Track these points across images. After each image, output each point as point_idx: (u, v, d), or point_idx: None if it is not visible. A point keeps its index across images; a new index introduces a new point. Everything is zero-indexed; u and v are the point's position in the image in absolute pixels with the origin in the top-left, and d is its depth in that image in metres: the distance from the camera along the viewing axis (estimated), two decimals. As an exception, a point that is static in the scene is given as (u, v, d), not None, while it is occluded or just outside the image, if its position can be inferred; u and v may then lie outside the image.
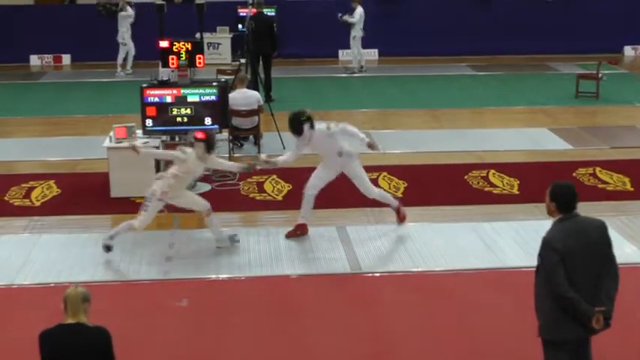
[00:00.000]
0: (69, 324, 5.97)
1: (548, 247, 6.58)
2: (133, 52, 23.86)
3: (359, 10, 23.45)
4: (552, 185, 6.80)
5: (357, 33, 23.68)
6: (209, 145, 10.61)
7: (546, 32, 26.43)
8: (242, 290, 10.00)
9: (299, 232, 11.46)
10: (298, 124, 11.12)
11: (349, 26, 23.57)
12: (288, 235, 11.42)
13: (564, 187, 6.77)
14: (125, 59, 23.95)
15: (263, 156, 11.77)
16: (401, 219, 11.72)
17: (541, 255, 6.67)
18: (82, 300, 5.98)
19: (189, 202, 10.99)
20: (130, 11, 23.47)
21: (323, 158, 11.56)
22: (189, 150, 10.57)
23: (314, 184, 11.48)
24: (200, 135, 10.57)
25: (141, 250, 11.07)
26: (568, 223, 6.64)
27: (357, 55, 24.07)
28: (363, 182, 11.55)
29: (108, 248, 10.78)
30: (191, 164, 10.55)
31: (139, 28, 23.81)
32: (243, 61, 17.79)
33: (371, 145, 11.43)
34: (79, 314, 5.97)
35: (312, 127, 11.16)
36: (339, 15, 23.39)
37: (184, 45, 13.10)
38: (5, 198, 13.06)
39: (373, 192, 11.61)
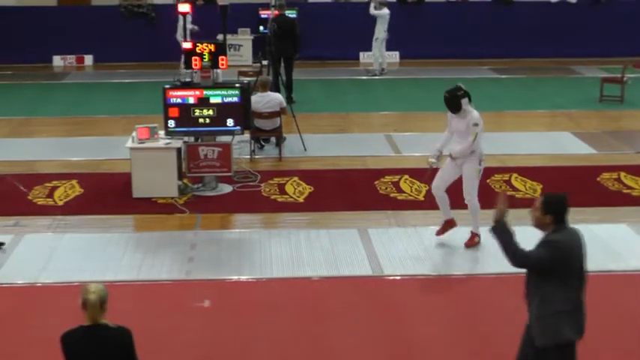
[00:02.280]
0: (90, 325, 5.97)
1: (553, 244, 6.59)
2: None
3: (384, 11, 23.45)
4: (546, 197, 6.79)
5: (380, 35, 23.67)
6: None
7: (570, 35, 26.35)
8: (263, 292, 10.00)
9: (448, 228, 11.42)
10: (457, 98, 10.89)
11: (374, 24, 23.55)
12: (438, 234, 11.39)
13: (561, 199, 6.76)
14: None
15: (432, 159, 11.26)
16: (470, 243, 11.32)
17: (546, 255, 6.61)
18: (101, 305, 5.98)
19: None
20: None
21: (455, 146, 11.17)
22: None
23: (436, 183, 11.29)
24: None
25: (163, 251, 11.11)
26: (568, 231, 6.70)
27: (379, 57, 24.05)
28: (471, 185, 11.21)
29: None
30: None
31: (161, 29, 23.98)
32: (265, 62, 17.79)
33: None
34: (97, 318, 5.98)
35: (470, 101, 10.98)
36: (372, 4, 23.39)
37: (207, 46, 13.10)
38: (29, 197, 13.12)
39: (473, 200, 11.27)
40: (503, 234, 6.81)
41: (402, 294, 9.93)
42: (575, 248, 6.67)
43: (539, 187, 13.52)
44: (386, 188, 13.36)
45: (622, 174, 14.17)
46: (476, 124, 10.93)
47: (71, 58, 26.45)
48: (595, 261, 10.67)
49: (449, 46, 26.34)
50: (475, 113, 10.98)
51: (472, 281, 10.25)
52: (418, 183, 13.65)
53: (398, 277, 10.37)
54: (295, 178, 14.00)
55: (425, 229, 11.66)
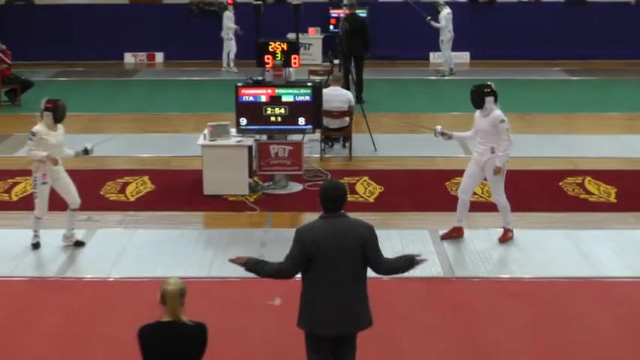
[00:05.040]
0: (169, 321, 5.97)
1: (295, 236, 6.70)
2: (234, 49, 24.46)
3: (443, 14, 23.33)
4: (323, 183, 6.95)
5: (444, 36, 23.56)
6: (55, 114, 10.63)
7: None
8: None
9: (454, 234, 11.40)
10: (482, 95, 10.92)
11: (438, 29, 23.48)
12: (444, 237, 11.38)
13: (327, 187, 6.79)
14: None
15: (439, 128, 11.55)
16: (504, 239, 11.33)
17: (289, 259, 6.79)
18: (180, 296, 6.00)
19: (63, 188, 10.99)
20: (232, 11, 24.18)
21: (476, 145, 11.25)
22: (37, 127, 10.63)
23: (465, 187, 11.34)
24: (48, 104, 10.66)
25: (233, 248, 11.09)
26: (328, 222, 6.70)
27: (448, 57, 23.92)
28: (493, 187, 11.26)
29: (35, 246, 11.07)
30: (45, 137, 10.60)
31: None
32: (336, 62, 17.77)
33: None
34: (177, 312, 5.99)
35: (495, 102, 10.94)
36: (428, 18, 23.28)
37: (280, 45, 13.11)
38: (101, 192, 13.27)
39: (500, 198, 11.23)
40: (255, 271, 6.97)
41: (474, 296, 9.81)
42: (320, 238, 6.62)
43: (613, 191, 13.29)
44: (457, 189, 13.20)
45: (699, 178, 13.88)
46: (503, 121, 10.90)
47: (142, 56, 26.80)
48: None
49: (520, 47, 26.10)
50: (499, 111, 10.93)
51: (545, 285, 10.07)
52: (489, 185, 13.49)
53: (469, 279, 10.27)
54: (365, 178, 13.95)
55: (496, 231, 11.49)
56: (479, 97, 10.96)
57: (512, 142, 11.01)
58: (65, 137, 11.03)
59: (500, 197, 11.23)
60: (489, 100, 10.90)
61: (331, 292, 6.73)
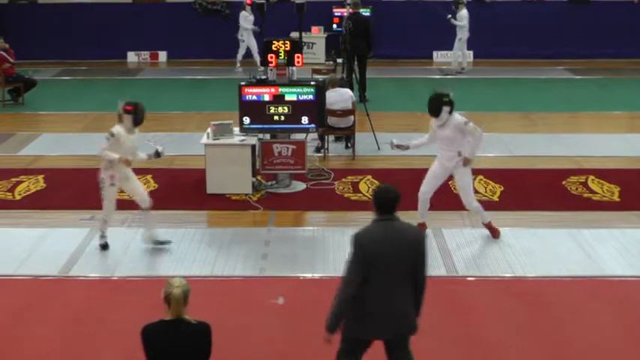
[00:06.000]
0: (172, 320, 5.99)
1: (353, 241, 6.67)
2: (242, 51, 24.31)
3: (464, 13, 23.31)
4: (376, 187, 6.90)
5: (463, 35, 23.53)
6: (135, 117, 10.63)
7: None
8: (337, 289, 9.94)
9: None
10: (437, 104, 10.90)
11: (455, 27, 23.45)
12: None
13: (382, 191, 6.83)
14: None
15: (395, 141, 11.60)
16: (495, 235, 11.39)
17: (349, 272, 6.73)
18: (184, 299, 6.02)
19: (132, 188, 10.99)
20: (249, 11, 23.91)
21: (440, 151, 11.22)
22: (116, 128, 10.61)
23: (428, 188, 11.35)
24: (128, 107, 10.63)
25: (237, 247, 11.14)
26: (384, 225, 6.71)
27: (460, 56, 23.91)
28: (466, 192, 11.26)
29: (104, 247, 11.04)
30: (123, 139, 10.61)
31: (235, 26, 24.17)
32: (339, 61, 17.75)
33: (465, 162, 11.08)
34: (180, 312, 6.01)
35: (451, 112, 10.89)
36: (448, 16, 23.25)
37: (283, 44, 13.10)
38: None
39: (472, 204, 11.29)
40: (337, 321, 6.89)
41: (477, 295, 9.81)
42: (380, 242, 6.63)
43: (616, 190, 13.27)
44: (460, 188, 13.23)
45: (702, 178, 13.86)
46: (467, 123, 10.91)
47: (145, 55, 26.77)
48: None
49: (523, 46, 26.04)
50: (458, 116, 10.95)
51: (548, 284, 10.07)
52: (492, 183, 13.52)
53: (472, 278, 10.27)
54: (369, 177, 13.96)
55: (499, 230, 11.49)
56: (436, 105, 10.92)
57: (482, 136, 10.98)
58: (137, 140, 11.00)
59: (472, 202, 11.29)
60: (446, 109, 10.87)
61: (382, 295, 6.69)
